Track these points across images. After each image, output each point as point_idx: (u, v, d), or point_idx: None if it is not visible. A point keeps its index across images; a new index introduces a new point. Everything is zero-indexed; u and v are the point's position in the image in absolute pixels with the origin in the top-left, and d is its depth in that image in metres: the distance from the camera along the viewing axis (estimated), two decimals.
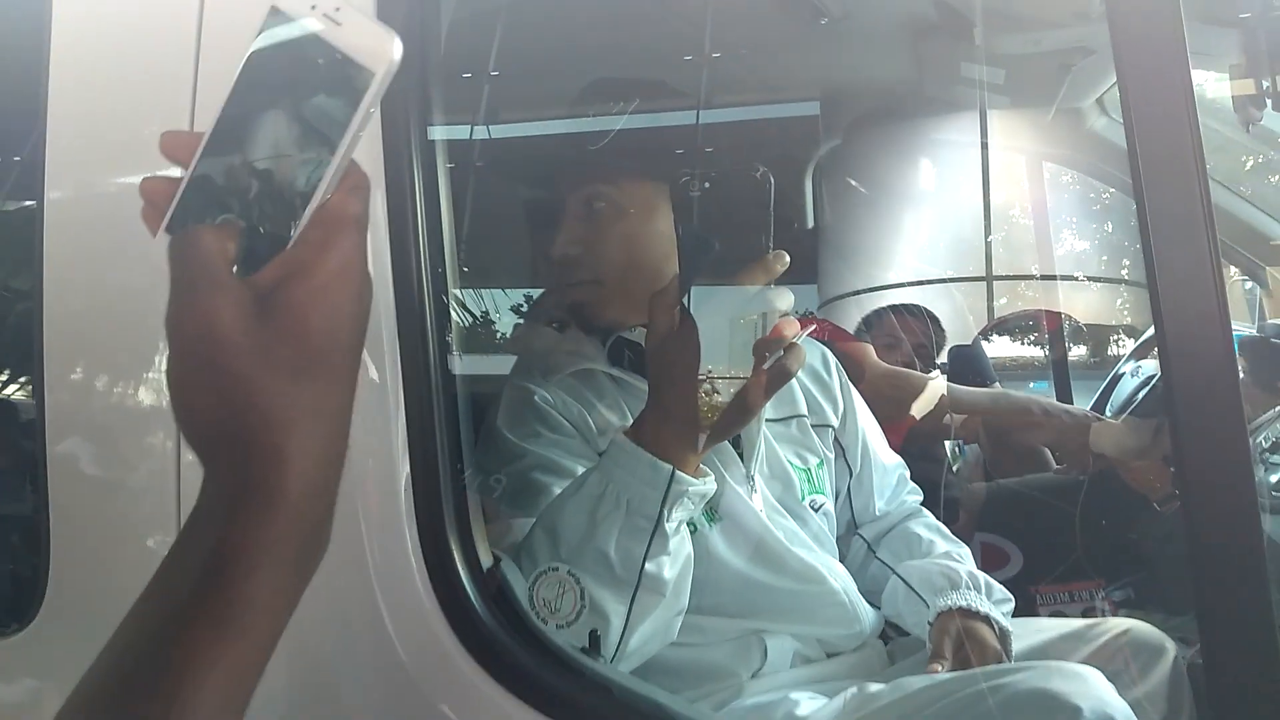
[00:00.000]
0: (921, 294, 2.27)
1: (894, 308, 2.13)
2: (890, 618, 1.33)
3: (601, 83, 1.41)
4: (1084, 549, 1.61)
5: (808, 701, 1.12)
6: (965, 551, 1.38)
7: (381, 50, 0.43)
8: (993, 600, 1.26)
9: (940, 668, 1.16)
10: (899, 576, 1.33)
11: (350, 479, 0.94)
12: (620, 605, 1.00)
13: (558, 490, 1.10)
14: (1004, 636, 1.22)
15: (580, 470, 1.13)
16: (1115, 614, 1.58)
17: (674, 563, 1.02)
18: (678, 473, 1.00)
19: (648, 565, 1.00)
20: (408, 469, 0.93)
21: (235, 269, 0.44)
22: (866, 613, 1.27)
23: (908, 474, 1.50)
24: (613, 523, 1.00)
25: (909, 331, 2.02)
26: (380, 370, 0.94)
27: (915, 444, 1.82)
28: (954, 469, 1.69)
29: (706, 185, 1.30)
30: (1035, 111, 2.09)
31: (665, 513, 1.00)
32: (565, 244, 1.25)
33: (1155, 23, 0.77)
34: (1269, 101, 1.47)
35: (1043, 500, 1.74)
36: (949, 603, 1.23)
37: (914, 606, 1.29)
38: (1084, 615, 1.50)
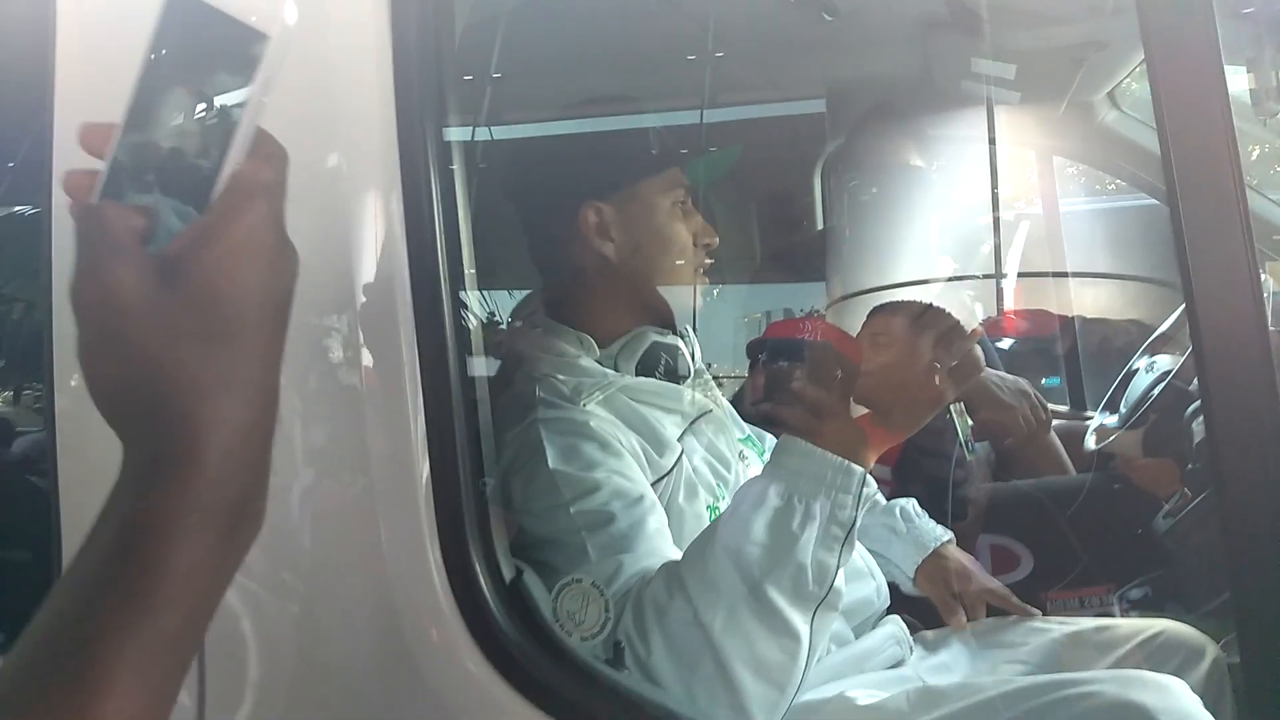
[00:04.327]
0: (930, 291, 2.25)
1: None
2: None
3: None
4: (1096, 551, 1.60)
5: (866, 695, 1.10)
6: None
7: (275, 14, 0.44)
8: (918, 516, 1.44)
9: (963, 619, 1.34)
10: None
11: (367, 484, 0.94)
12: (805, 626, 0.95)
13: (651, 521, 1.05)
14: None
15: (654, 495, 1.09)
16: (1128, 615, 1.58)
17: (844, 575, 0.98)
18: (866, 474, 0.97)
19: (837, 579, 0.95)
20: (427, 472, 0.92)
21: (150, 246, 0.44)
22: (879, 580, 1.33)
23: None
24: (809, 534, 0.94)
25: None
26: (399, 373, 0.93)
27: (922, 441, 1.81)
28: (968, 451, 1.68)
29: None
30: (1046, 106, 2.07)
31: (858, 518, 0.96)
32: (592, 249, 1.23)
33: (1186, 20, 0.75)
34: None
35: (1053, 502, 1.73)
36: (920, 555, 1.40)
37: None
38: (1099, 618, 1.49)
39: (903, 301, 1.05)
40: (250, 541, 0.47)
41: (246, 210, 0.44)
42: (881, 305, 1.06)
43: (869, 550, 1.38)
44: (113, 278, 0.43)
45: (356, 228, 0.95)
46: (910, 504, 1.46)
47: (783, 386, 1.11)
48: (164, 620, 0.43)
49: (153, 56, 0.44)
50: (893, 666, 1.25)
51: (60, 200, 1.01)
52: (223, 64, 0.44)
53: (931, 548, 1.41)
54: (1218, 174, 0.71)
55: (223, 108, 0.44)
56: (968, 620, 1.37)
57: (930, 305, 1.02)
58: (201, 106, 0.44)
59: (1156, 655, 1.21)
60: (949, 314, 1.01)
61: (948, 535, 1.43)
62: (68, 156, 1.00)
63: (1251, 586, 0.71)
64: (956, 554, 1.42)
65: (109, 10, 1.02)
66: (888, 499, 1.49)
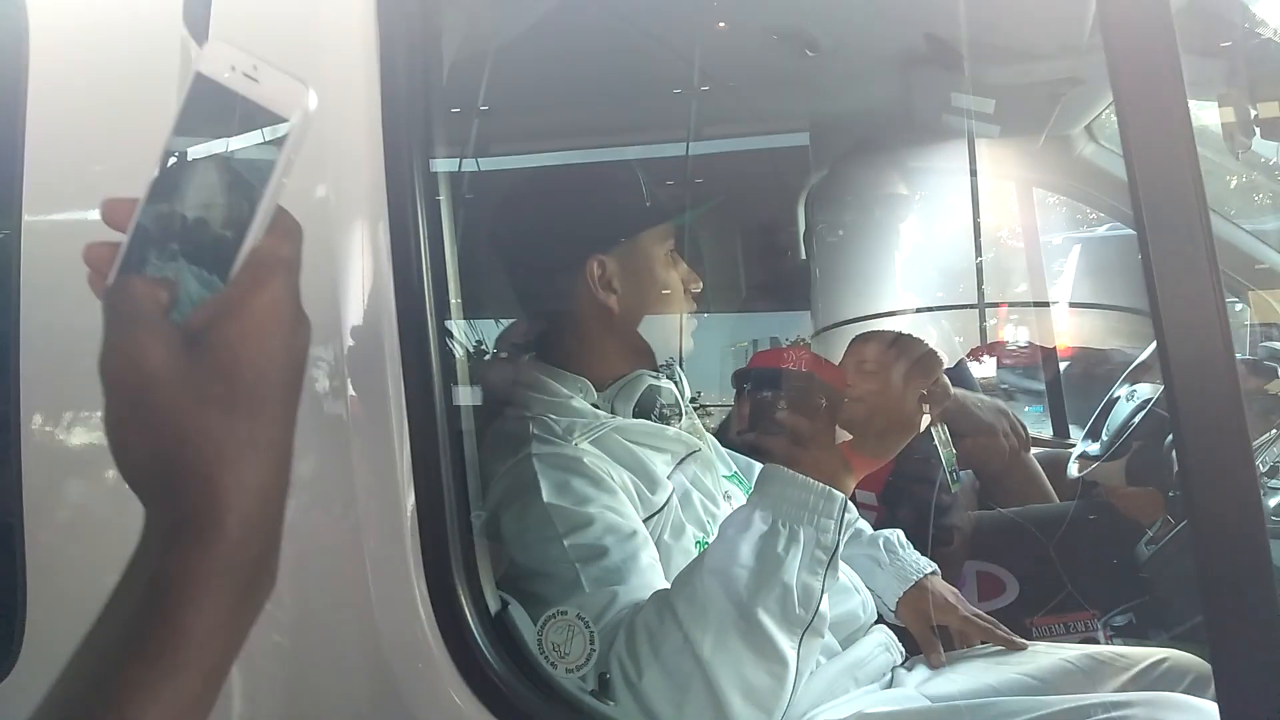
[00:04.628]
0: (914, 321, 2.27)
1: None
2: None
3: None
4: (1080, 577, 1.61)
5: (883, 714, 1.12)
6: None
7: (296, 100, 0.46)
8: (902, 547, 1.44)
9: (941, 655, 1.32)
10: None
11: (352, 515, 0.94)
12: (793, 651, 0.96)
13: (644, 556, 1.07)
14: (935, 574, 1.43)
15: (646, 531, 1.11)
16: (1112, 641, 1.59)
17: (829, 600, 1.00)
18: (848, 500, 0.99)
19: (821, 603, 0.97)
20: (412, 504, 0.92)
21: (173, 315, 0.47)
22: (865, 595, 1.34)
23: None
24: (794, 557, 0.96)
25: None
26: (384, 403, 0.93)
27: (907, 469, 1.82)
28: (952, 486, 1.71)
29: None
30: (1026, 139, 2.11)
31: (840, 542, 0.98)
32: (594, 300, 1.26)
33: (1152, 59, 0.78)
34: (1257, 129, 1.50)
35: (1038, 529, 1.74)
36: (902, 587, 1.39)
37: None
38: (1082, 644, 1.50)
39: (880, 331, 1.07)
40: (265, 600, 0.48)
41: (266, 285, 0.47)
42: (861, 334, 1.08)
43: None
44: (140, 350, 0.45)
45: (343, 258, 0.96)
46: (895, 535, 1.47)
47: (767, 415, 1.13)
48: (186, 681, 0.44)
49: (177, 133, 0.47)
50: (884, 674, 1.27)
51: (31, 219, 1.02)
52: (244, 144, 0.46)
53: (914, 580, 1.41)
54: (1184, 206, 0.73)
55: (243, 185, 0.46)
56: (958, 648, 1.37)
57: (901, 334, 1.04)
58: (223, 183, 0.47)
59: (1160, 682, 1.21)
60: (921, 341, 1.03)
61: (931, 567, 1.43)
62: (39, 171, 1.01)
63: (1224, 613, 0.72)
64: (940, 586, 1.42)
65: (82, 26, 1.04)
66: (875, 527, 1.50)
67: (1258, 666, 0.73)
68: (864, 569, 1.43)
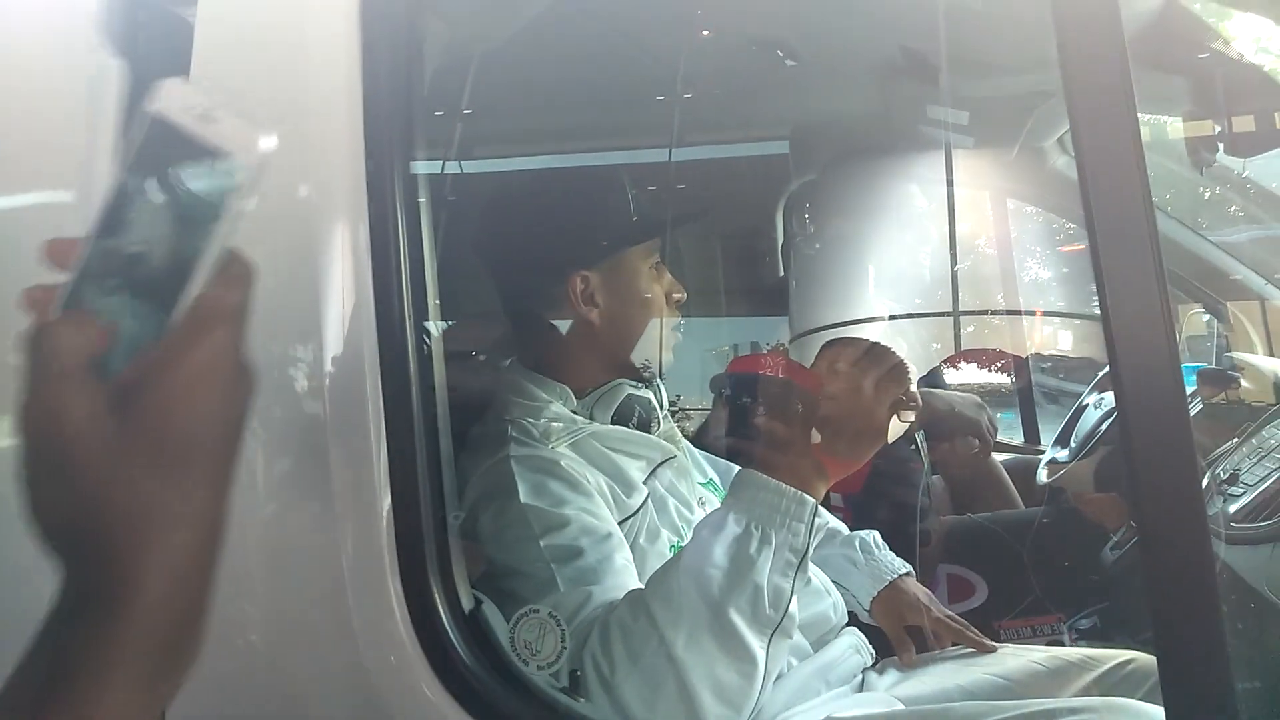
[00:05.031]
0: (889, 328, 2.31)
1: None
2: None
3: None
4: (1047, 581, 1.64)
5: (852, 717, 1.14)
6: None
7: (251, 144, 0.45)
8: (878, 548, 1.46)
9: (913, 654, 1.34)
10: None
11: (329, 514, 0.95)
12: (762, 650, 0.99)
13: (618, 557, 1.09)
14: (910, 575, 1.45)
15: (621, 533, 1.13)
16: (1077, 644, 1.62)
17: (799, 603, 1.02)
18: (819, 505, 1.02)
19: (791, 605, 1.00)
20: (389, 504, 0.94)
21: (107, 362, 0.43)
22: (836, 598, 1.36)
23: None
24: (765, 559, 0.98)
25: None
26: (362, 404, 0.95)
27: (882, 474, 1.85)
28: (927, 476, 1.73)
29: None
30: (1000, 150, 2.15)
31: (810, 546, 1.00)
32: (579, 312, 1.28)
33: (1105, 74, 0.80)
34: (1220, 145, 1.54)
35: (1007, 535, 1.77)
36: (876, 586, 1.41)
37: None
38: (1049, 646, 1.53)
39: (850, 338, 1.09)
40: (187, 671, 0.44)
41: (206, 337, 0.43)
42: (832, 340, 1.10)
43: (831, 580, 1.41)
44: (64, 404, 0.41)
45: (323, 258, 0.97)
46: (871, 536, 1.49)
47: (744, 420, 1.15)
48: None
49: (130, 171, 0.45)
50: (855, 676, 1.29)
51: None
52: (200, 189, 0.45)
53: (888, 580, 1.43)
54: (1133, 217, 0.76)
55: (193, 226, 0.45)
56: (931, 649, 1.39)
57: (874, 344, 1.07)
58: (171, 223, 0.45)
59: (1124, 683, 1.24)
60: (892, 351, 1.06)
61: (906, 568, 1.46)
62: None
63: (1169, 616, 0.75)
64: (914, 587, 1.45)
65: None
66: (851, 528, 1.52)
67: (1202, 669, 0.75)
68: (839, 568, 1.45)
